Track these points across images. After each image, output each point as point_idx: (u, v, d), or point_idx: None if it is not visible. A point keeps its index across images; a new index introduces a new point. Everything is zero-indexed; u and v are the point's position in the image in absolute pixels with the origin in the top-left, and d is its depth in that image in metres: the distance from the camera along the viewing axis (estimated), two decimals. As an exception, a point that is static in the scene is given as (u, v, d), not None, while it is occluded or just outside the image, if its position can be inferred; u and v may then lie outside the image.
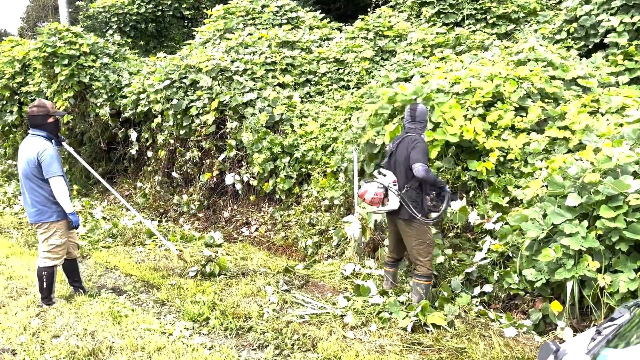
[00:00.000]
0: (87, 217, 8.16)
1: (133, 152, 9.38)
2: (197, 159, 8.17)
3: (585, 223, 3.91)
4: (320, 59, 9.07)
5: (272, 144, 7.17)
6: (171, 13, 15.01)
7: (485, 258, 4.81)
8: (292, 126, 7.50)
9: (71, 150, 5.71)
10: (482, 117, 5.42)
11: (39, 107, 4.71)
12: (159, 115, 8.54)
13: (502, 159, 5.18)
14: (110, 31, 14.30)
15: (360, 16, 9.98)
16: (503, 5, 9.99)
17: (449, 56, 7.55)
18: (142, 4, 14.56)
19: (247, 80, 8.05)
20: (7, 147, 12.13)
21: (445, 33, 8.78)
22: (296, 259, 6.34)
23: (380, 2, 12.25)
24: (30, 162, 4.59)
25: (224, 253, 6.48)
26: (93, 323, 4.41)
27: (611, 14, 7.10)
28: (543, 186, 4.47)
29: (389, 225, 4.80)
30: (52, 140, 4.80)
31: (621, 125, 4.93)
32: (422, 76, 6.56)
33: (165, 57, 9.93)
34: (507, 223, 4.72)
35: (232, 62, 8.46)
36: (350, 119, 6.98)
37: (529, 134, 5.25)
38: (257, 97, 7.79)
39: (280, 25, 10.80)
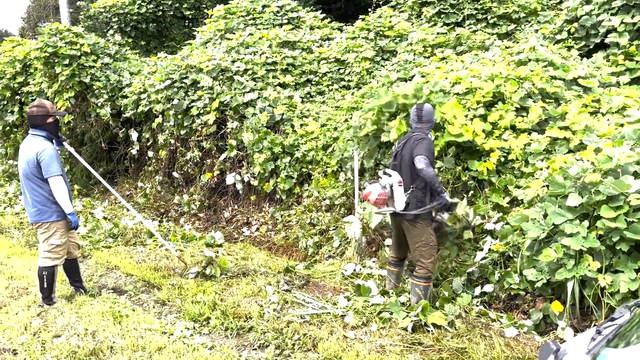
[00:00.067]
0: (88, 217, 8.17)
1: (134, 152, 9.38)
2: (198, 159, 8.18)
3: (586, 223, 3.91)
4: (321, 59, 9.07)
5: (273, 144, 7.17)
6: (172, 13, 15.02)
7: (485, 258, 4.81)
8: (292, 126, 7.50)
9: (72, 150, 5.72)
10: (483, 117, 5.42)
11: (39, 107, 4.72)
12: (160, 115, 8.55)
13: (502, 159, 5.18)
14: (111, 31, 14.32)
15: (360, 16, 9.98)
16: (504, 5, 9.99)
17: (449, 56, 7.55)
18: (142, 4, 14.57)
19: (247, 80, 8.05)
20: (8, 147, 12.14)
21: (446, 33, 8.78)
22: (297, 259, 6.34)
23: (381, 2, 12.25)
24: (30, 162, 4.60)
25: (224, 253, 6.49)
26: (94, 323, 4.41)
27: (612, 14, 7.10)
28: (544, 186, 4.47)
29: (393, 225, 4.78)
30: (52, 140, 4.81)
31: (622, 125, 4.93)
32: (423, 76, 6.56)
33: (166, 57, 9.94)
34: (507, 223, 4.72)
35: (233, 62, 8.46)
36: (350, 119, 6.99)
37: (529, 134, 5.25)
38: (258, 97, 7.79)
39: (281, 25, 10.80)
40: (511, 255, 4.66)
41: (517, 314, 4.47)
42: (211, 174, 8.01)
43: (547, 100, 5.58)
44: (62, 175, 4.68)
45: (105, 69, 9.83)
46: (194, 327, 4.43)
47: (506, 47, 7.53)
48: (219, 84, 8.08)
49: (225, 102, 7.78)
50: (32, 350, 4.00)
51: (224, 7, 11.58)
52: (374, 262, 5.71)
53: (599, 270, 3.83)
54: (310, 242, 6.33)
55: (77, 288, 5.16)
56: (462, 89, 5.67)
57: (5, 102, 11.42)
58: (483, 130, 5.28)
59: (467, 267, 4.91)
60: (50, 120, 4.75)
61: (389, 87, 6.70)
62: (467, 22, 9.93)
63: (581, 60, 6.89)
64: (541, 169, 4.73)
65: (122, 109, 9.42)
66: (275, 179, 7.19)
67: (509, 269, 4.56)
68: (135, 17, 14.50)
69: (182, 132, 8.23)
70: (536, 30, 8.78)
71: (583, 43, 7.40)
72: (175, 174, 8.61)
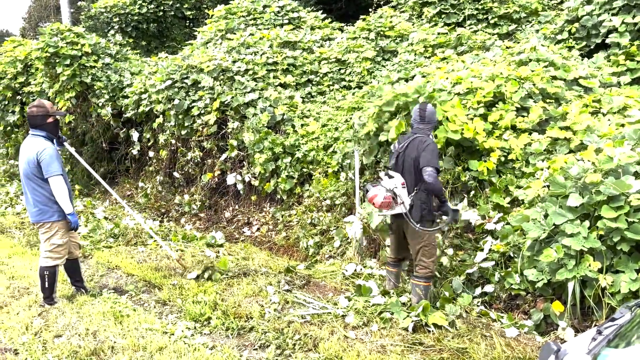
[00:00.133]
0: (89, 217, 8.18)
1: (135, 152, 9.39)
2: (199, 159, 8.18)
3: (587, 223, 3.91)
4: (322, 59, 9.07)
5: (274, 144, 7.17)
6: (173, 13, 15.02)
7: (486, 258, 4.81)
8: (293, 126, 7.50)
9: (72, 150, 5.72)
10: (484, 117, 5.42)
11: (39, 107, 4.73)
12: (161, 116, 8.55)
13: (503, 159, 5.18)
14: (112, 31, 14.33)
15: (361, 16, 9.98)
16: (504, 5, 9.99)
17: (450, 56, 7.56)
18: (143, 4, 14.57)
19: (248, 81, 8.06)
20: (9, 147, 12.15)
21: (447, 33, 8.78)
22: (297, 259, 6.35)
23: (382, 2, 12.25)
24: (31, 162, 4.61)
25: (225, 253, 6.49)
26: (95, 323, 4.42)
27: (613, 14, 7.10)
28: (544, 186, 4.47)
29: (394, 225, 4.77)
30: (53, 140, 4.81)
31: (622, 125, 4.93)
32: (424, 76, 6.56)
33: (166, 57, 9.94)
34: (508, 223, 4.72)
35: (234, 62, 8.46)
36: (351, 119, 6.99)
37: (530, 134, 5.25)
38: (259, 98, 7.80)
39: (281, 25, 10.80)
40: (512, 255, 4.66)
41: (518, 314, 4.47)
42: (212, 174, 8.02)
43: (548, 101, 5.58)
44: (63, 175, 4.69)
45: (106, 69, 9.84)
46: (195, 327, 4.44)
47: (507, 47, 7.52)
48: (220, 84, 8.08)
49: (226, 102, 7.78)
50: (33, 350, 4.00)
51: (225, 7, 11.58)
52: (374, 262, 5.71)
53: (600, 271, 3.83)
54: (311, 242, 6.33)
55: (78, 288, 5.17)
56: (462, 89, 5.67)
57: (7, 102, 11.43)
58: (483, 130, 5.28)
59: (468, 267, 4.91)
60: (50, 120, 4.76)
61: (391, 86, 6.69)
62: (468, 22, 9.93)
63: (582, 60, 6.89)
64: (542, 169, 4.73)
65: (123, 109, 9.42)
66: (276, 179, 7.19)
67: (510, 269, 4.57)
68: (136, 17, 14.51)
69: (183, 132, 8.24)
70: (537, 31, 8.78)
71: (584, 43, 7.40)
72: (176, 174, 8.62)
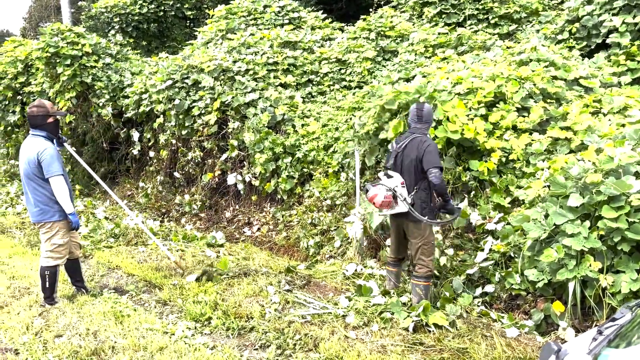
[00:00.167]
0: (90, 217, 8.18)
1: (135, 152, 9.40)
2: (199, 159, 8.18)
3: (587, 223, 3.91)
4: (322, 59, 9.07)
5: (274, 144, 7.17)
6: (173, 13, 15.03)
7: (487, 258, 4.81)
8: (294, 126, 7.50)
9: (72, 151, 5.72)
10: (484, 117, 5.42)
11: (39, 107, 4.73)
12: (161, 116, 8.56)
13: (504, 159, 5.18)
14: (113, 31, 14.33)
15: (362, 16, 9.98)
16: (505, 5, 9.99)
17: (450, 56, 7.56)
18: (144, 4, 14.58)
19: (249, 81, 8.06)
20: (9, 147, 12.16)
21: (447, 33, 8.78)
22: (298, 259, 6.35)
23: (382, 2, 12.25)
24: (31, 162, 4.61)
25: (225, 253, 6.49)
26: (95, 323, 4.42)
27: (613, 14, 7.10)
28: (545, 186, 4.47)
29: (392, 225, 4.79)
30: (53, 140, 4.81)
31: (623, 125, 4.93)
32: (424, 76, 6.56)
33: (167, 57, 9.95)
34: (508, 223, 4.72)
35: (234, 62, 8.47)
36: (351, 119, 6.99)
37: (531, 134, 5.25)
38: (259, 98, 7.80)
39: (282, 25, 10.80)
40: (512, 255, 4.66)
41: (518, 314, 4.47)
42: (212, 174, 8.02)
43: (549, 101, 5.58)
44: (63, 175, 4.69)
45: (107, 69, 9.84)
46: (196, 327, 4.44)
47: (507, 47, 7.52)
48: (220, 84, 8.08)
49: (226, 102, 7.78)
50: (33, 350, 4.00)
51: (225, 7, 11.58)
52: (375, 262, 5.71)
53: (600, 271, 3.83)
54: (311, 242, 6.33)
55: (79, 288, 5.17)
56: (463, 89, 5.67)
57: (7, 102, 11.44)
58: (484, 130, 5.28)
59: (468, 267, 4.91)
60: (50, 120, 4.76)
61: (391, 86, 6.69)
62: (469, 22, 9.92)
63: (582, 60, 6.89)
64: (542, 169, 4.73)
65: (123, 109, 9.43)
66: (277, 179, 7.20)
67: (510, 269, 4.57)
68: (136, 17, 14.51)
69: (184, 132, 8.24)
70: (537, 31, 8.78)
71: (584, 43, 7.40)
72: (176, 174, 8.62)
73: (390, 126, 5.58)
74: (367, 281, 5.12)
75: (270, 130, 7.41)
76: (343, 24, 11.16)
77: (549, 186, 4.39)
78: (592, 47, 7.35)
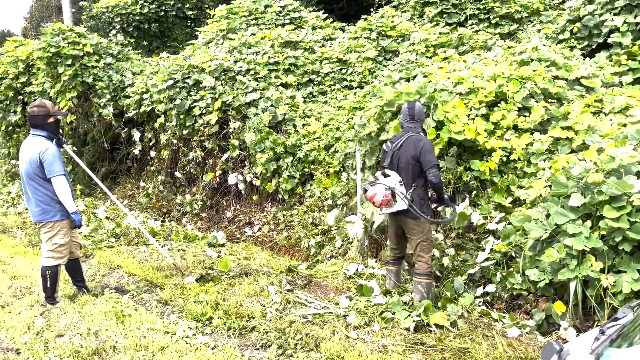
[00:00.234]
0: (91, 217, 8.19)
1: (136, 152, 9.40)
2: (200, 159, 8.18)
3: (589, 223, 3.90)
4: (323, 59, 9.07)
5: (275, 144, 7.17)
6: (174, 13, 15.03)
7: (488, 258, 4.80)
8: (294, 126, 7.50)
9: (72, 153, 5.73)
10: (485, 117, 5.42)
11: (40, 107, 4.74)
12: (162, 115, 8.56)
13: (505, 159, 5.18)
14: (114, 31, 14.34)
15: (363, 16, 9.98)
16: (506, 5, 9.98)
17: (451, 56, 7.55)
18: (145, 4, 14.58)
19: (250, 80, 8.06)
20: (10, 147, 12.16)
21: (448, 33, 8.77)
22: (299, 259, 6.35)
23: (383, 2, 12.24)
24: (33, 162, 4.61)
25: (226, 253, 6.49)
26: (97, 322, 4.43)
27: (615, 14, 7.09)
28: (546, 186, 4.46)
29: (391, 222, 4.82)
30: (53, 140, 4.82)
31: (624, 125, 4.92)
32: (425, 76, 6.56)
33: (168, 57, 9.95)
34: (510, 223, 4.72)
35: (235, 62, 8.46)
36: (352, 118, 6.99)
37: (532, 134, 5.25)
38: (260, 97, 7.80)
39: (283, 25, 10.80)
40: (513, 255, 4.66)
41: (520, 314, 4.47)
42: (213, 173, 8.02)
43: (550, 100, 5.58)
44: (65, 175, 4.70)
45: (108, 69, 9.84)
46: (197, 327, 4.44)
47: (508, 47, 7.51)
48: (221, 84, 8.08)
49: (227, 102, 7.78)
50: (35, 350, 4.01)
51: (226, 7, 11.58)
52: (376, 261, 5.71)
53: (602, 271, 3.82)
54: (312, 242, 6.33)
55: (80, 288, 5.18)
56: (464, 88, 5.67)
57: (8, 102, 11.44)
58: (485, 130, 5.28)
59: (469, 267, 4.90)
60: (51, 120, 4.77)
61: (392, 86, 6.69)
62: (470, 22, 9.91)
63: (584, 60, 6.88)
64: (543, 169, 4.73)
65: (124, 109, 9.43)
66: (278, 178, 7.19)
67: (512, 269, 4.56)
68: (137, 17, 14.52)
69: (185, 132, 8.24)
70: (538, 30, 8.77)
71: (586, 43, 7.39)
72: (177, 173, 8.62)
73: (391, 126, 5.58)
74: (368, 281, 5.12)
75: (271, 130, 7.41)
76: (344, 24, 11.16)
77: (550, 186, 4.39)
78: (594, 47, 7.34)
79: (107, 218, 8.17)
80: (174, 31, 15.39)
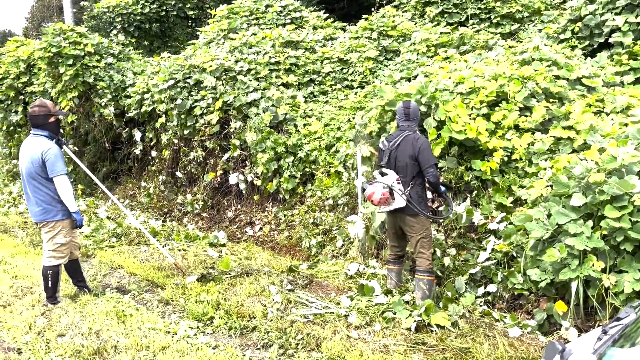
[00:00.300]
0: (92, 217, 8.19)
1: (137, 151, 9.40)
2: (201, 159, 8.18)
3: (590, 223, 3.90)
4: (324, 59, 9.07)
5: (276, 143, 7.17)
6: (175, 13, 15.04)
7: (489, 258, 4.80)
8: (295, 126, 7.50)
9: (71, 154, 5.74)
10: (487, 117, 5.41)
11: (40, 107, 4.74)
12: (163, 115, 8.56)
13: (506, 158, 5.18)
14: (115, 31, 14.34)
15: (364, 16, 9.97)
16: (507, 4, 9.97)
17: (453, 56, 7.54)
18: (146, 4, 14.59)
19: (251, 80, 8.06)
20: (12, 147, 12.17)
21: (449, 33, 8.76)
22: (300, 259, 6.35)
23: (384, 2, 12.24)
24: (35, 162, 4.62)
25: (228, 253, 6.49)
26: (98, 322, 4.43)
27: (616, 14, 7.08)
28: (547, 186, 4.46)
29: (390, 221, 4.84)
30: (54, 140, 4.82)
31: (626, 125, 4.91)
32: (426, 76, 6.55)
33: (169, 57, 9.95)
34: (511, 223, 4.71)
35: (236, 62, 8.46)
36: (353, 118, 6.99)
37: (533, 133, 5.24)
38: (261, 97, 7.80)
39: (284, 25, 10.80)
40: (515, 255, 4.65)
41: (521, 314, 4.46)
42: (214, 173, 8.02)
43: (551, 100, 5.57)
44: (67, 175, 4.71)
45: (109, 69, 9.85)
46: (198, 327, 4.44)
47: (510, 47, 7.51)
48: (222, 84, 8.08)
49: (228, 102, 7.78)
50: (36, 350, 4.01)
51: (227, 7, 11.59)
52: (377, 261, 5.71)
53: (603, 270, 3.82)
54: (313, 241, 6.33)
55: (81, 288, 5.18)
56: (465, 88, 5.66)
57: (10, 102, 11.46)
58: (486, 130, 5.28)
59: (470, 267, 4.90)
60: (52, 120, 4.77)
61: (393, 86, 6.69)
62: (471, 21, 9.91)
63: (585, 59, 6.87)
64: (545, 169, 4.72)
65: (125, 108, 9.43)
66: (279, 178, 7.19)
67: (513, 269, 4.56)
68: (138, 17, 14.52)
69: (186, 131, 8.24)
70: (540, 30, 8.76)
71: (587, 42, 7.38)
72: (178, 173, 8.62)
73: (392, 126, 5.58)
74: (369, 280, 5.11)
75: (272, 130, 7.41)
76: (345, 24, 11.16)
77: (551, 186, 4.39)
78: (595, 47, 7.33)
79: (108, 218, 8.17)
80: (175, 31, 15.39)
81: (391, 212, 4.68)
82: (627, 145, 4.25)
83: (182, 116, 8.21)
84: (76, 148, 10.31)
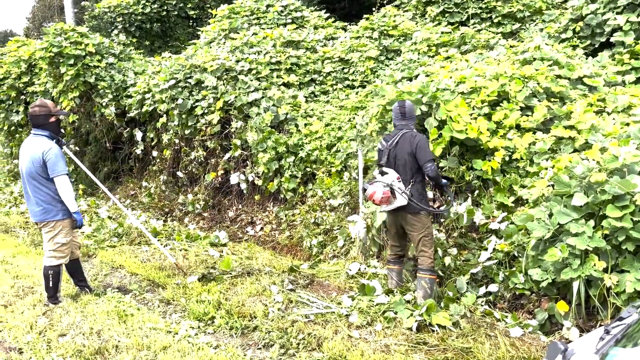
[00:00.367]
0: (93, 217, 8.19)
1: (138, 151, 9.41)
2: (202, 159, 8.18)
3: (592, 222, 3.89)
4: (325, 59, 9.06)
5: (277, 143, 7.17)
6: (176, 13, 15.04)
7: (490, 258, 4.79)
8: (296, 126, 7.50)
9: (71, 154, 5.74)
10: (488, 117, 5.41)
11: (41, 106, 4.74)
12: (164, 115, 8.56)
13: (507, 158, 5.17)
14: (116, 31, 14.34)
15: (365, 15, 9.97)
16: (508, 4, 9.96)
17: (454, 55, 7.53)
18: (147, 4, 14.59)
19: (252, 80, 8.06)
20: (13, 147, 12.18)
21: (451, 32, 8.76)
22: (301, 259, 6.34)
23: (385, 2, 12.23)
24: (36, 162, 4.62)
25: (229, 252, 6.49)
26: (99, 322, 4.43)
27: (617, 13, 7.06)
28: (549, 186, 4.45)
29: (391, 220, 4.83)
30: (54, 140, 4.82)
31: (627, 124, 4.90)
32: (427, 75, 6.55)
33: (170, 56, 9.95)
34: (512, 223, 4.71)
35: (237, 61, 8.46)
36: (354, 118, 6.98)
37: (534, 133, 5.24)
38: (262, 97, 7.80)
39: (285, 24, 10.80)
40: (516, 254, 4.65)
41: (522, 313, 4.46)
42: (215, 173, 8.02)
43: (552, 100, 5.56)
44: (68, 175, 4.71)
45: (110, 68, 9.85)
46: (199, 327, 4.44)
47: (511, 46, 7.49)
48: (223, 84, 8.08)
49: (229, 102, 7.78)
50: (37, 349, 4.01)
51: (228, 6, 11.59)
52: (378, 261, 5.70)
53: (605, 270, 3.81)
54: (314, 241, 6.33)
55: (82, 287, 5.18)
56: (466, 88, 5.65)
57: (11, 102, 11.46)
58: (487, 129, 5.27)
59: (472, 267, 4.89)
60: (52, 119, 4.78)
61: (394, 85, 6.68)
62: (472, 21, 9.90)
63: (586, 59, 6.86)
64: (546, 168, 4.71)
65: (126, 108, 9.44)
66: (280, 178, 7.19)
67: (514, 269, 4.55)
68: (139, 17, 14.53)
69: (187, 131, 8.24)
70: (541, 29, 8.75)
71: (588, 42, 7.37)
72: (179, 173, 8.62)
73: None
74: (371, 280, 5.11)
75: (273, 130, 7.41)
76: (346, 23, 11.16)
77: (553, 185, 4.38)
78: (596, 46, 7.32)
79: (110, 218, 8.18)
80: (176, 31, 15.40)
81: (392, 211, 4.68)
82: (628, 145, 4.24)
83: (183, 116, 8.21)
84: (77, 148, 10.31)
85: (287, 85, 8.40)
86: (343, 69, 8.84)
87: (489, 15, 9.94)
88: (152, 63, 10.19)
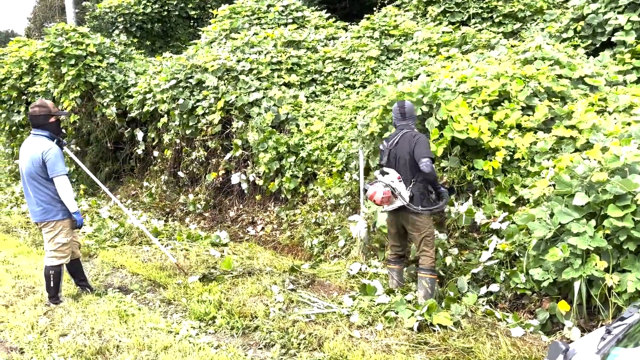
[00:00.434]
0: (94, 217, 8.20)
1: (139, 151, 9.41)
2: (203, 159, 8.19)
3: (593, 222, 3.89)
4: (326, 59, 9.06)
5: (278, 143, 7.17)
6: (177, 13, 15.05)
7: (491, 258, 4.79)
8: (297, 126, 7.50)
9: (71, 154, 5.74)
10: (489, 116, 5.40)
11: (41, 107, 4.75)
12: (165, 115, 8.57)
13: (508, 158, 5.17)
14: (117, 31, 14.35)
15: (365, 15, 9.97)
16: (509, 3, 9.95)
17: (455, 55, 7.53)
18: (148, 4, 14.60)
19: (252, 80, 8.06)
20: (14, 147, 12.19)
21: (452, 32, 8.75)
22: (302, 259, 6.34)
23: (386, 1, 12.22)
24: (35, 162, 4.62)
25: (230, 252, 6.49)
26: (100, 322, 4.43)
27: (618, 12, 7.05)
28: (550, 185, 4.45)
29: (392, 220, 4.83)
30: (54, 140, 4.83)
31: (629, 124, 4.90)
32: (428, 75, 6.54)
33: (171, 56, 9.96)
34: (513, 222, 4.70)
35: (238, 61, 8.47)
36: (355, 118, 6.98)
37: (535, 132, 5.23)
38: (263, 97, 7.80)
39: (285, 24, 10.80)
40: (517, 254, 4.64)
41: (524, 313, 4.45)
42: (216, 173, 8.02)
43: (553, 99, 5.56)
44: (67, 175, 4.71)
45: (111, 68, 9.86)
46: (200, 327, 4.44)
47: (512, 46, 7.49)
48: (224, 84, 8.08)
49: (230, 102, 7.78)
50: (38, 349, 4.01)
51: (229, 6, 11.59)
52: (379, 261, 5.70)
53: (606, 270, 3.81)
54: (315, 241, 6.33)
55: (83, 287, 5.18)
56: (467, 87, 5.65)
57: (12, 102, 11.47)
58: (488, 129, 5.26)
59: (473, 267, 4.89)
60: (52, 120, 4.78)
61: (395, 85, 6.68)
62: (473, 20, 9.89)
63: (587, 58, 6.85)
64: (547, 168, 4.71)
65: (127, 108, 9.44)
66: (281, 178, 7.19)
67: (515, 269, 4.55)
68: (140, 17, 14.54)
69: (188, 131, 8.24)
70: (542, 29, 8.73)
71: (589, 41, 7.36)
72: (180, 173, 8.63)
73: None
74: (372, 280, 5.11)
75: (274, 130, 7.41)
76: (347, 23, 11.15)
77: (554, 185, 4.37)
78: (597, 46, 7.31)
79: (111, 218, 8.18)
80: (176, 31, 15.41)
81: (393, 211, 4.67)
82: (630, 145, 4.24)
83: (184, 116, 8.21)
84: (79, 148, 10.32)
85: (288, 85, 8.40)
86: (344, 68, 8.84)
87: (490, 14, 9.93)
88: (153, 63, 10.20)
